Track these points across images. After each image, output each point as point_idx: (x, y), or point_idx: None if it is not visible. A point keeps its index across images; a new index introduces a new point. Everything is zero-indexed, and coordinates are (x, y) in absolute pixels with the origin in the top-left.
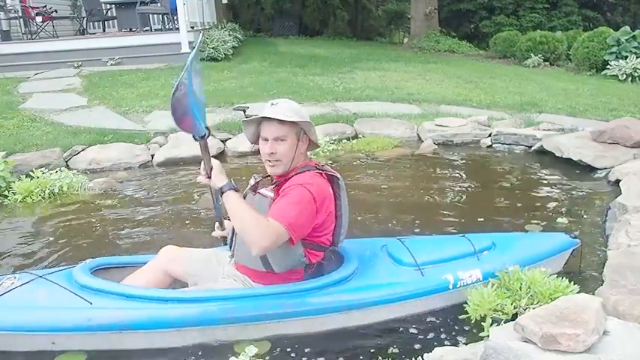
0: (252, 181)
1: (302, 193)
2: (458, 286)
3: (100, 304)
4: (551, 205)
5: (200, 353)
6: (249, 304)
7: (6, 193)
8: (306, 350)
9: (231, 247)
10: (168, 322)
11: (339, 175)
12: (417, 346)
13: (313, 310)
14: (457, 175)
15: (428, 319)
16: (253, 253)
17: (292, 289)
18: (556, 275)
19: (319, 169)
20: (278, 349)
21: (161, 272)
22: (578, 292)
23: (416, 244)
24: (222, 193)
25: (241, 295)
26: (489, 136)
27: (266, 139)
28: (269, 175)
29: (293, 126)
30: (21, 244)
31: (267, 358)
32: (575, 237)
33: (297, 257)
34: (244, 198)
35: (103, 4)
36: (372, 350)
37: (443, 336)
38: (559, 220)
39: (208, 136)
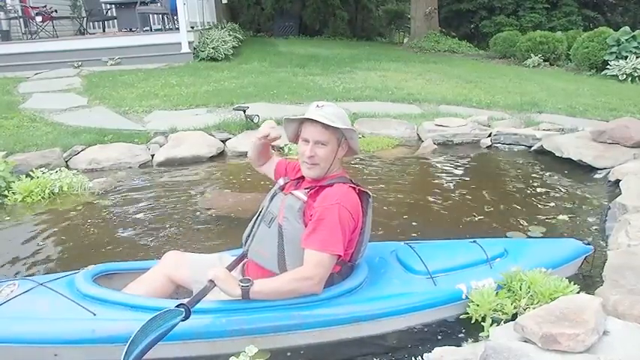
0: (281, 182)
1: (340, 213)
2: (469, 296)
3: (104, 316)
4: (551, 204)
5: (201, 354)
6: (259, 316)
7: (6, 193)
8: (303, 352)
9: (246, 243)
10: (176, 335)
11: (370, 193)
12: (417, 346)
13: (324, 322)
14: (457, 175)
15: (428, 320)
16: (317, 293)
17: (303, 300)
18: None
19: (353, 184)
20: (278, 351)
21: (165, 279)
22: (578, 292)
23: (426, 250)
24: (246, 297)
25: (250, 307)
26: (489, 136)
27: (307, 141)
28: (298, 179)
29: (335, 132)
30: (20, 244)
31: (268, 358)
32: (589, 243)
33: None
34: (272, 198)
35: (102, 4)
36: (370, 350)
37: (443, 336)
38: (559, 219)
39: (189, 315)
